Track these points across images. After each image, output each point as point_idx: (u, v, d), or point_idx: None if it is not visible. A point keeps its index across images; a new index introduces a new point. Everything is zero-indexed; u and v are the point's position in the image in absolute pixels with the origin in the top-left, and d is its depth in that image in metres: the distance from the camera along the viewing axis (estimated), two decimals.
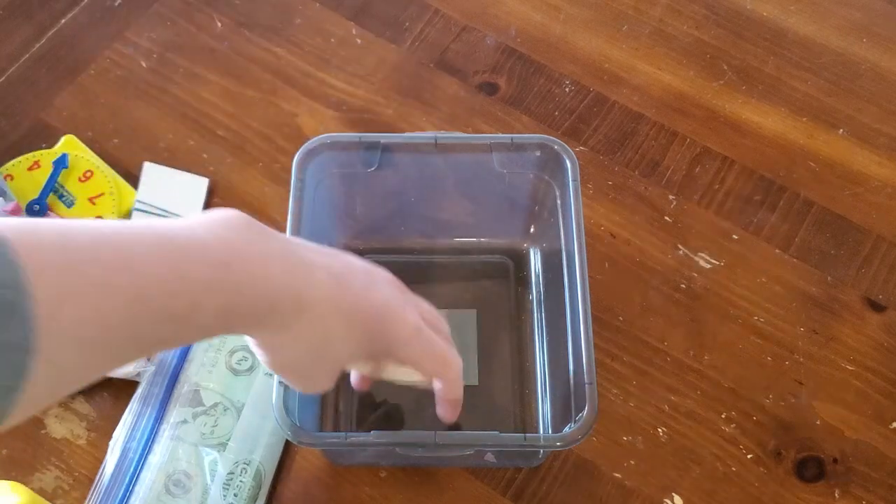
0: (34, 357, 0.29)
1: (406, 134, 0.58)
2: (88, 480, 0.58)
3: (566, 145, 0.57)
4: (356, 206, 0.64)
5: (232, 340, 0.60)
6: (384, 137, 0.58)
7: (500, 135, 0.58)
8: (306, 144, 0.57)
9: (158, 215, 0.66)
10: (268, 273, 0.38)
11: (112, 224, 0.35)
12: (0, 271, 0.29)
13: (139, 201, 0.66)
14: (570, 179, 0.56)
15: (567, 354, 0.53)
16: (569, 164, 0.56)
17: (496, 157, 0.59)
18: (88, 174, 0.67)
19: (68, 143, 0.69)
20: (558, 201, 0.58)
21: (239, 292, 0.37)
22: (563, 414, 0.53)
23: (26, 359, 0.29)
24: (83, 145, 0.69)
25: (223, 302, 0.36)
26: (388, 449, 0.52)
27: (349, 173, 0.60)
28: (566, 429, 0.49)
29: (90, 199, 0.66)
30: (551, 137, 0.57)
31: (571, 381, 0.52)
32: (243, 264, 0.37)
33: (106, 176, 0.67)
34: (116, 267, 0.33)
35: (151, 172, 0.68)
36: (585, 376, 0.49)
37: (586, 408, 0.48)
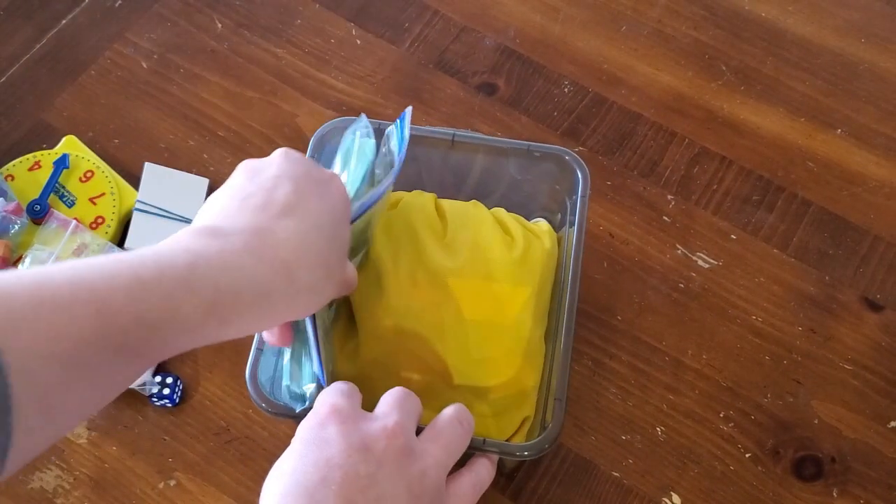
0: (8, 374, 0.29)
1: (426, 127, 0.58)
2: (89, 479, 0.58)
3: (580, 158, 0.57)
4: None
5: None
6: None
7: (518, 141, 0.58)
8: (325, 125, 0.58)
9: (159, 215, 0.66)
10: (239, 263, 0.38)
11: (60, 263, 0.35)
12: None
13: (140, 201, 0.67)
14: (580, 196, 0.56)
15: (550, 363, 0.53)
16: (581, 180, 0.56)
17: (512, 163, 0.59)
18: (89, 174, 0.68)
19: (69, 144, 0.69)
20: (567, 215, 0.58)
21: (213, 287, 0.37)
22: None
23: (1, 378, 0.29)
24: (84, 146, 0.70)
25: (203, 298, 0.36)
26: None
27: None
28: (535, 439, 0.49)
29: (91, 200, 0.67)
30: (565, 149, 0.57)
31: (546, 391, 0.53)
32: (208, 262, 0.37)
33: (107, 176, 0.68)
34: (70, 288, 0.33)
35: (152, 173, 0.68)
36: (557, 391, 0.50)
37: (551, 424, 0.48)
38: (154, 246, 0.38)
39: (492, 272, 0.53)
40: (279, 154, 0.45)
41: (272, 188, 0.42)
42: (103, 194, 0.67)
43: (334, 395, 0.44)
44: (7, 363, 0.29)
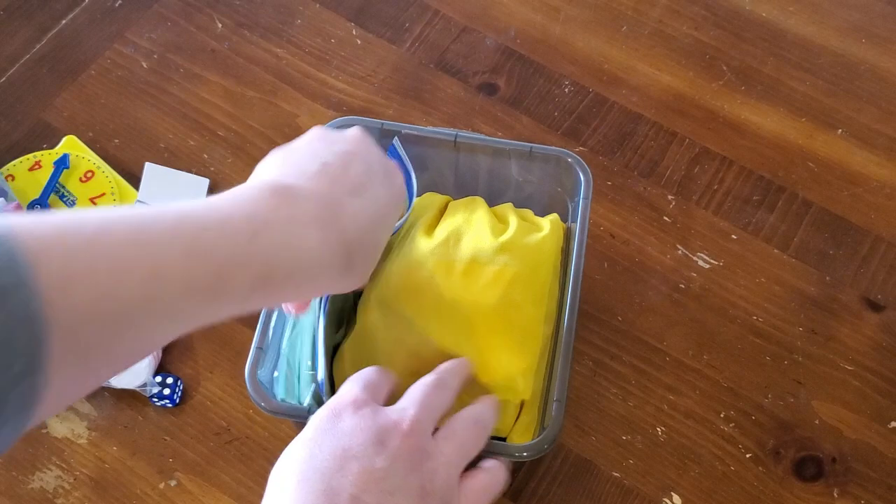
0: (50, 330, 0.29)
1: (428, 128, 0.58)
2: (89, 480, 0.58)
3: (583, 161, 0.57)
4: None
5: None
6: (405, 128, 0.58)
7: (520, 143, 0.58)
8: (328, 124, 0.58)
9: None
10: (304, 237, 0.39)
11: (126, 208, 0.35)
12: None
13: (140, 201, 0.67)
14: (582, 198, 0.56)
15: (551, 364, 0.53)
16: (583, 182, 0.56)
17: (514, 165, 0.59)
18: (89, 174, 0.68)
19: (69, 144, 0.69)
20: (569, 218, 0.58)
21: (268, 263, 0.37)
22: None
23: (40, 331, 0.29)
24: (84, 146, 0.70)
25: (256, 272, 0.36)
26: None
27: None
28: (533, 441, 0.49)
29: (91, 200, 0.67)
30: (568, 151, 0.57)
31: (545, 392, 0.52)
32: (270, 234, 0.37)
33: (107, 176, 0.68)
34: (126, 245, 0.33)
35: (152, 173, 0.68)
36: (556, 393, 0.49)
37: (550, 425, 0.48)
38: (222, 198, 0.38)
39: (475, 255, 0.53)
40: (356, 131, 0.46)
41: (347, 163, 0.43)
42: (103, 194, 0.67)
43: (356, 385, 0.44)
44: (52, 318, 0.29)
